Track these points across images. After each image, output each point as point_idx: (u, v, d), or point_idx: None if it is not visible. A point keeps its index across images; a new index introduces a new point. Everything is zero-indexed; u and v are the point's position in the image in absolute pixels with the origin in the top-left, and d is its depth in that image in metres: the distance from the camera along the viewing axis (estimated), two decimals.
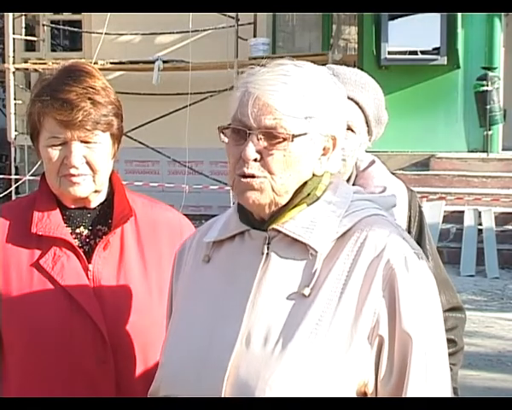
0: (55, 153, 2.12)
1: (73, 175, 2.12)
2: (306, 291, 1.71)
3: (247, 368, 1.68)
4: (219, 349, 1.72)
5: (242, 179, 1.73)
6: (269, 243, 1.76)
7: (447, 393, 1.75)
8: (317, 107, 1.74)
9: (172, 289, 1.96)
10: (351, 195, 1.81)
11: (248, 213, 1.79)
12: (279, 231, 1.76)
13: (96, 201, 2.21)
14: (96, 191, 2.18)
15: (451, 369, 2.60)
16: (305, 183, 1.76)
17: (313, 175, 1.78)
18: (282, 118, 1.70)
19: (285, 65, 1.76)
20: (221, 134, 1.78)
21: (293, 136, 1.71)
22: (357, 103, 2.55)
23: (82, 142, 2.11)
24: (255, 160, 1.72)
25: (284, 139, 1.71)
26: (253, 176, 1.72)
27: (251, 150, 1.71)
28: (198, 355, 1.74)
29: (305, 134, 1.73)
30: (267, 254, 1.76)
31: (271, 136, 1.71)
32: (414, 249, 1.76)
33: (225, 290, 1.78)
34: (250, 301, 1.73)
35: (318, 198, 1.78)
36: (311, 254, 1.73)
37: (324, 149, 1.78)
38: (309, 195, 1.77)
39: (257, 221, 1.79)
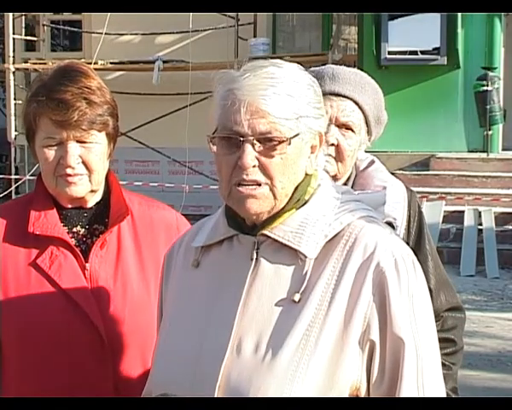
0: (50, 153, 2.12)
1: (69, 175, 2.12)
2: (296, 297, 1.69)
3: (238, 375, 1.68)
4: (210, 357, 1.71)
5: (241, 188, 1.70)
6: (258, 249, 1.75)
7: (441, 396, 1.74)
8: (303, 105, 1.73)
9: (162, 293, 1.94)
10: (339, 196, 1.80)
11: (238, 219, 1.77)
12: (268, 236, 1.75)
13: (92, 200, 2.21)
14: (92, 191, 2.18)
15: (451, 368, 2.61)
16: (297, 187, 1.75)
17: (306, 175, 1.76)
18: (276, 121, 1.69)
19: (267, 67, 1.73)
20: (210, 143, 1.75)
21: (290, 138, 1.70)
22: (356, 103, 2.55)
23: (78, 142, 2.11)
24: (253, 166, 1.70)
25: (280, 142, 1.69)
26: (253, 182, 1.70)
27: (249, 157, 1.69)
28: (189, 363, 1.73)
29: (298, 134, 1.72)
30: (256, 259, 1.74)
31: (267, 140, 1.69)
32: (403, 251, 1.75)
33: (215, 297, 1.77)
34: (240, 307, 1.72)
35: (307, 201, 1.77)
36: (300, 259, 1.72)
37: (312, 146, 1.77)
38: (299, 199, 1.76)
39: (247, 226, 1.77)
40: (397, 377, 1.68)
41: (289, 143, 1.70)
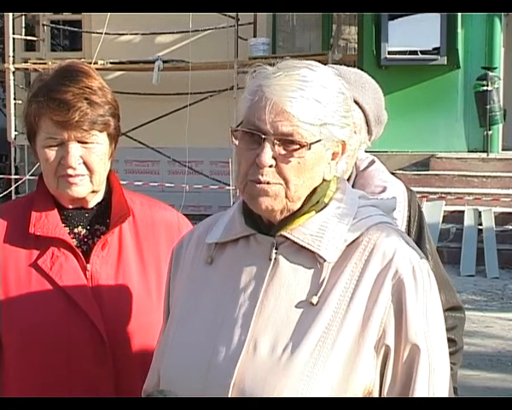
0: (52, 153, 2.11)
1: (71, 176, 2.11)
2: (314, 300, 1.70)
3: (253, 375, 1.67)
4: (225, 355, 1.70)
5: (256, 185, 1.71)
6: (276, 249, 1.75)
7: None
8: (330, 113, 1.72)
9: (170, 287, 1.93)
10: (357, 201, 1.80)
11: (256, 218, 1.77)
12: (287, 238, 1.74)
13: (93, 201, 2.20)
14: (93, 191, 2.17)
15: (451, 368, 2.61)
16: (315, 189, 1.75)
17: (323, 180, 1.77)
18: (299, 125, 1.68)
19: (300, 68, 1.73)
20: (232, 136, 1.75)
21: (310, 143, 1.69)
22: (357, 103, 2.55)
23: (79, 142, 2.10)
24: (270, 166, 1.70)
25: (301, 146, 1.69)
26: (267, 183, 1.70)
27: (267, 156, 1.69)
28: (202, 361, 1.73)
29: (320, 141, 1.71)
30: (275, 259, 1.74)
31: (288, 142, 1.69)
32: (420, 258, 1.76)
33: (231, 295, 1.76)
34: (257, 307, 1.72)
35: (326, 205, 1.77)
36: (319, 263, 1.72)
37: (333, 153, 1.77)
38: (318, 202, 1.76)
39: (265, 226, 1.77)
40: (409, 382, 1.69)
41: (309, 149, 1.69)
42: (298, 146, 1.69)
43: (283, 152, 1.70)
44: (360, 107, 2.56)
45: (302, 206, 1.75)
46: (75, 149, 2.10)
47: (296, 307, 1.71)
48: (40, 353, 2.11)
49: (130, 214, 2.22)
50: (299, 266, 1.74)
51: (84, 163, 2.12)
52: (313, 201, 1.75)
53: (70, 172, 2.11)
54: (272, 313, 1.71)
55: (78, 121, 2.08)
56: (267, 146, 1.69)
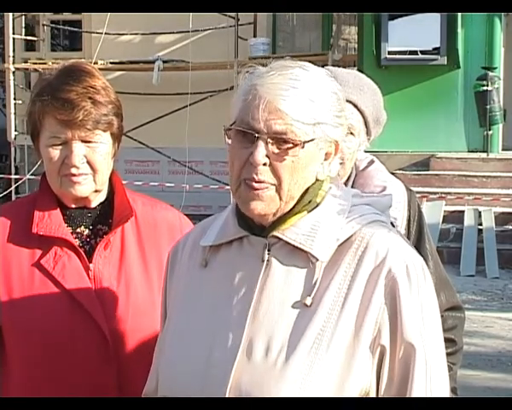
0: (55, 153, 2.12)
1: (74, 175, 2.12)
2: (308, 301, 1.69)
3: (249, 379, 1.67)
4: (221, 359, 1.70)
5: (250, 188, 1.70)
6: (269, 250, 1.74)
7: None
8: (324, 112, 1.72)
9: (166, 290, 1.92)
10: (350, 199, 1.79)
11: (248, 219, 1.77)
12: (279, 239, 1.74)
13: (96, 200, 2.21)
14: (96, 191, 2.18)
15: (451, 368, 2.61)
16: (307, 189, 1.75)
17: (316, 180, 1.76)
18: (293, 123, 1.68)
19: (293, 68, 1.72)
20: (225, 135, 1.75)
21: (304, 142, 1.69)
22: (355, 106, 2.55)
23: (83, 141, 2.11)
24: (264, 164, 1.69)
25: (294, 145, 1.69)
26: (261, 182, 1.69)
27: (260, 155, 1.68)
28: (199, 365, 1.72)
29: (313, 140, 1.71)
30: (268, 261, 1.73)
31: (281, 141, 1.69)
32: (414, 257, 1.75)
33: (225, 298, 1.75)
34: (251, 310, 1.71)
35: (318, 204, 1.76)
36: (311, 262, 1.72)
37: (327, 154, 1.76)
38: (310, 202, 1.75)
39: (257, 227, 1.76)
40: (406, 383, 1.69)
41: (303, 147, 1.69)
42: (291, 145, 1.69)
43: (277, 151, 1.69)
44: (359, 109, 2.56)
45: (294, 206, 1.74)
46: (79, 149, 2.11)
47: (290, 308, 1.70)
48: (43, 352, 2.11)
49: (133, 215, 2.22)
50: (291, 266, 1.73)
51: (88, 162, 2.12)
52: (305, 200, 1.75)
53: (73, 171, 2.11)
54: (266, 315, 1.71)
55: (82, 120, 2.08)
56: (261, 145, 1.68)
